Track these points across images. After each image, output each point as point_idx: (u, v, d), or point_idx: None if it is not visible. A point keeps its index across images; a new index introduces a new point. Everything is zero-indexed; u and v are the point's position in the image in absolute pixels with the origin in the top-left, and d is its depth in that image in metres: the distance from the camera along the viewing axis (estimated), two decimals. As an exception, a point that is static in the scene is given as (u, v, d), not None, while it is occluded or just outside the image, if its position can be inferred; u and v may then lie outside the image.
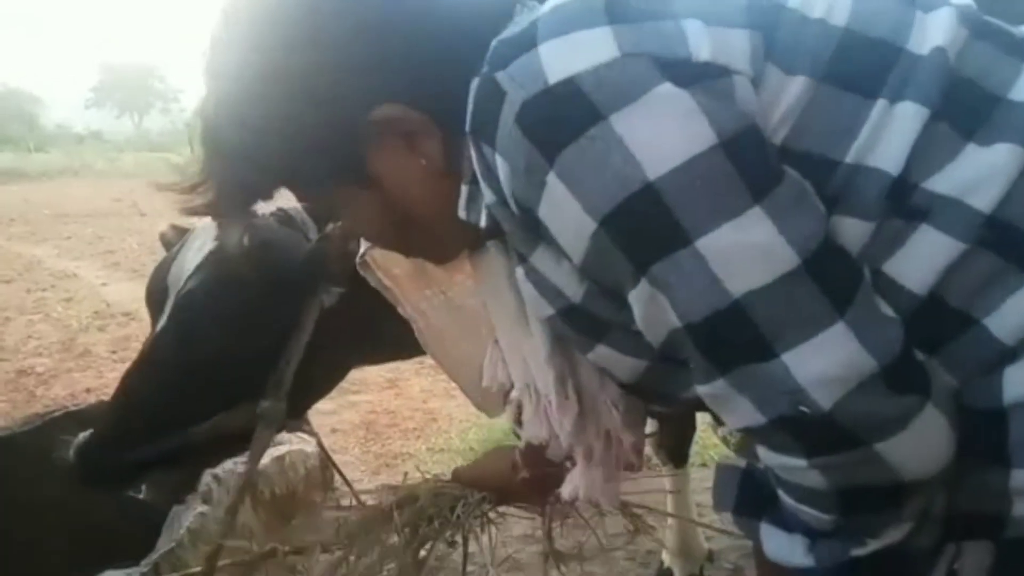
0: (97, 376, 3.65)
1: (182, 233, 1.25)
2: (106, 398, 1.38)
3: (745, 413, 0.60)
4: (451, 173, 0.70)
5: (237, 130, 0.69)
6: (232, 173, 0.72)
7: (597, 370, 0.79)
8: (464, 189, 0.70)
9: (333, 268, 1.16)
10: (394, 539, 1.02)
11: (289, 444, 1.84)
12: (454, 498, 1.02)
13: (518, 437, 0.96)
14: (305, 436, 1.90)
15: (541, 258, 0.69)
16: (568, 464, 0.90)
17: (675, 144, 0.56)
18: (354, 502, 1.11)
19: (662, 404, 0.84)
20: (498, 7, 0.69)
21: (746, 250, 0.56)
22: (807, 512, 0.63)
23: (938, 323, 0.60)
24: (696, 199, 0.56)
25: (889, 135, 0.59)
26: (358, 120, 0.67)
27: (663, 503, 1.85)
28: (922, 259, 0.59)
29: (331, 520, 1.12)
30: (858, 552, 0.63)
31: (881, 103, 0.60)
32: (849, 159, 0.60)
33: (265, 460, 1.75)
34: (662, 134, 0.56)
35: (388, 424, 3.15)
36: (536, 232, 0.66)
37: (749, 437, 0.64)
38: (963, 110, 0.60)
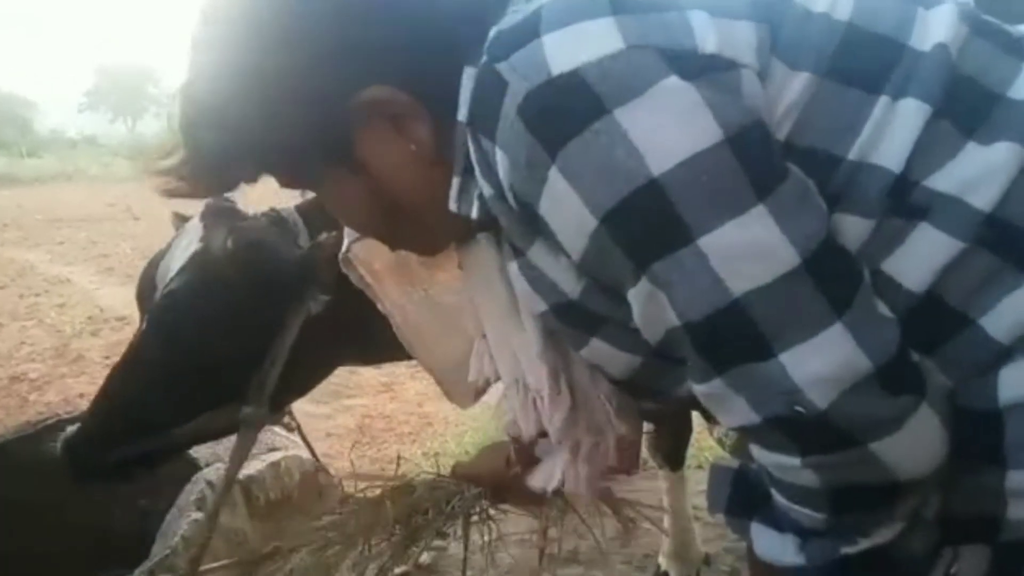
0: (91, 382, 3.63)
1: (185, 220, 1.25)
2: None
3: (740, 412, 0.60)
4: (441, 161, 0.69)
5: (219, 107, 0.68)
6: (213, 153, 0.70)
7: (589, 365, 0.79)
8: (455, 180, 0.69)
9: (323, 276, 1.15)
10: (389, 530, 1.02)
11: (284, 450, 1.83)
12: (450, 492, 1.02)
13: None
14: (288, 434, 1.89)
15: (538, 253, 0.68)
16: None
17: (680, 139, 0.56)
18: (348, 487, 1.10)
19: (655, 400, 0.84)
20: None
21: (748, 249, 0.56)
22: (799, 511, 0.63)
23: (935, 323, 0.60)
24: (700, 196, 0.56)
25: (892, 132, 0.59)
26: (345, 102, 0.66)
27: (660, 506, 1.85)
28: (921, 258, 0.59)
29: (327, 513, 1.12)
30: (849, 551, 0.63)
31: (884, 100, 0.60)
32: (852, 156, 0.60)
33: (260, 466, 1.74)
34: (667, 129, 0.56)
35: (383, 428, 3.14)
36: (534, 227, 0.65)
37: (743, 436, 0.64)
38: (964, 108, 0.60)
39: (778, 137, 0.60)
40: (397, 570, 1.03)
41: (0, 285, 5.97)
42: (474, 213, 0.69)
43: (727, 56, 0.58)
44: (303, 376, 1.24)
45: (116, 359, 1.23)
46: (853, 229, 0.60)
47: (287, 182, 0.77)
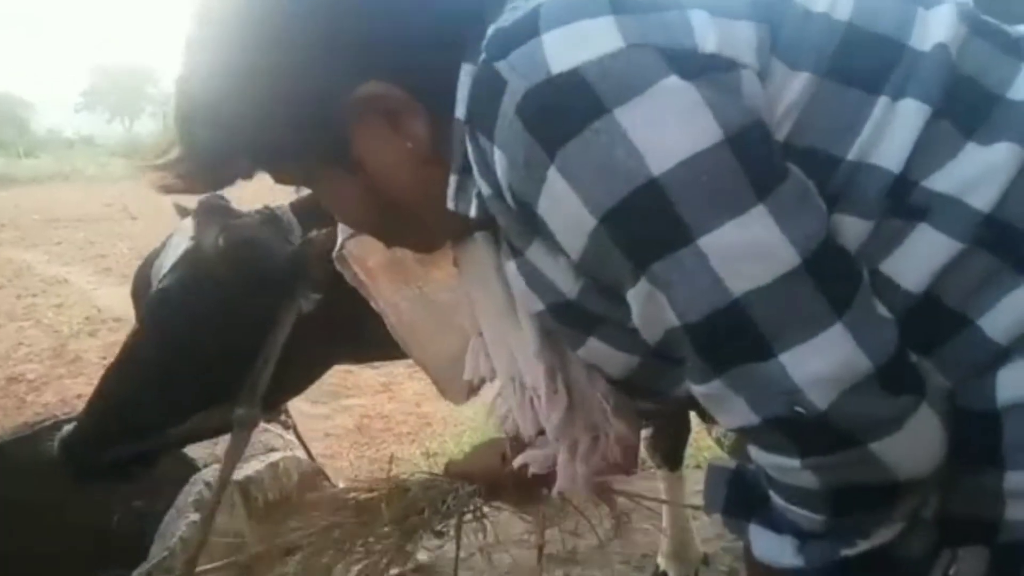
0: (88, 383, 3.62)
1: (187, 213, 1.25)
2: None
3: (739, 413, 0.60)
4: (437, 158, 0.69)
5: (213, 104, 0.68)
6: (208, 150, 0.70)
7: (587, 364, 0.79)
8: (453, 179, 0.69)
9: (315, 272, 1.15)
10: (384, 530, 1.02)
11: (282, 451, 1.83)
12: (445, 491, 1.02)
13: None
14: (286, 434, 1.89)
15: (536, 253, 0.68)
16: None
17: (680, 139, 0.55)
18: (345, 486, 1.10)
19: (652, 400, 0.83)
20: None
21: (748, 249, 0.56)
22: (798, 512, 0.63)
23: (933, 323, 0.60)
24: (700, 196, 0.56)
25: (891, 132, 0.59)
26: (339, 98, 0.66)
27: (658, 506, 1.85)
28: (920, 258, 0.59)
29: (323, 515, 1.12)
30: (848, 553, 0.63)
31: (884, 100, 0.59)
32: (851, 156, 0.59)
33: (258, 467, 1.74)
34: (667, 129, 0.56)
35: (382, 428, 3.14)
36: (532, 226, 0.65)
37: (742, 437, 0.64)
38: (964, 108, 0.60)
39: (778, 137, 0.60)
40: (393, 571, 1.03)
41: (-3, 286, 5.96)
42: (472, 212, 0.69)
43: (727, 56, 0.58)
44: (297, 375, 1.24)
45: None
46: (852, 229, 0.60)
47: (282, 179, 0.77)
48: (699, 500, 0.77)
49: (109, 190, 11.46)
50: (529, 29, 0.59)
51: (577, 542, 1.81)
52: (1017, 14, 0.69)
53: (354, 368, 3.40)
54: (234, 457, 1.22)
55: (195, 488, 1.52)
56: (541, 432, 0.87)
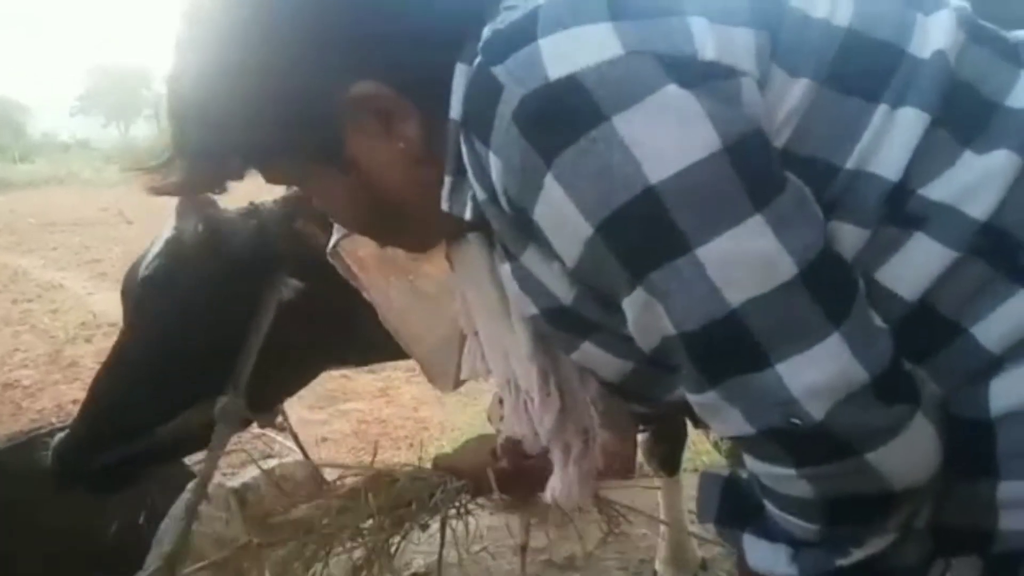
0: (84, 388, 3.57)
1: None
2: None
3: (735, 423, 0.60)
4: (430, 158, 0.68)
5: (203, 105, 0.68)
6: (199, 151, 0.70)
7: (579, 368, 0.79)
8: (447, 180, 0.68)
9: (282, 247, 1.15)
10: (370, 522, 1.01)
11: (281, 457, 1.83)
12: (433, 485, 1.01)
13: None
14: (284, 440, 1.88)
15: (531, 259, 0.68)
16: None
17: (678, 148, 0.55)
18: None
19: (645, 405, 0.83)
20: None
21: (745, 259, 0.56)
22: (792, 521, 0.63)
23: (927, 331, 0.60)
24: (697, 205, 0.55)
25: (890, 140, 0.59)
26: (330, 98, 0.66)
27: (655, 511, 1.85)
28: (915, 267, 0.59)
29: (308, 504, 1.11)
30: (842, 562, 0.63)
31: (883, 108, 0.59)
32: (850, 165, 0.59)
33: (255, 473, 1.73)
34: (665, 137, 0.55)
35: (379, 433, 3.13)
36: (528, 232, 0.65)
37: (737, 446, 0.64)
38: (962, 116, 0.60)
39: (777, 144, 0.60)
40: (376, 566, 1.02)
41: (-7, 291, 5.95)
42: (467, 215, 0.68)
43: (726, 63, 0.58)
44: (287, 375, 1.24)
45: (108, 365, 1.24)
46: (849, 237, 0.60)
47: (274, 178, 0.77)
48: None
49: (105, 194, 11.44)
50: (527, 33, 0.58)
51: (574, 548, 1.81)
52: (1015, 15, 0.69)
53: (351, 373, 3.40)
54: (218, 449, 1.22)
55: (189, 496, 1.51)
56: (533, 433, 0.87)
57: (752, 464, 0.63)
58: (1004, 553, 0.61)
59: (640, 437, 1.69)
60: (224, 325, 1.17)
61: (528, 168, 0.58)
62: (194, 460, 1.62)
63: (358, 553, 1.02)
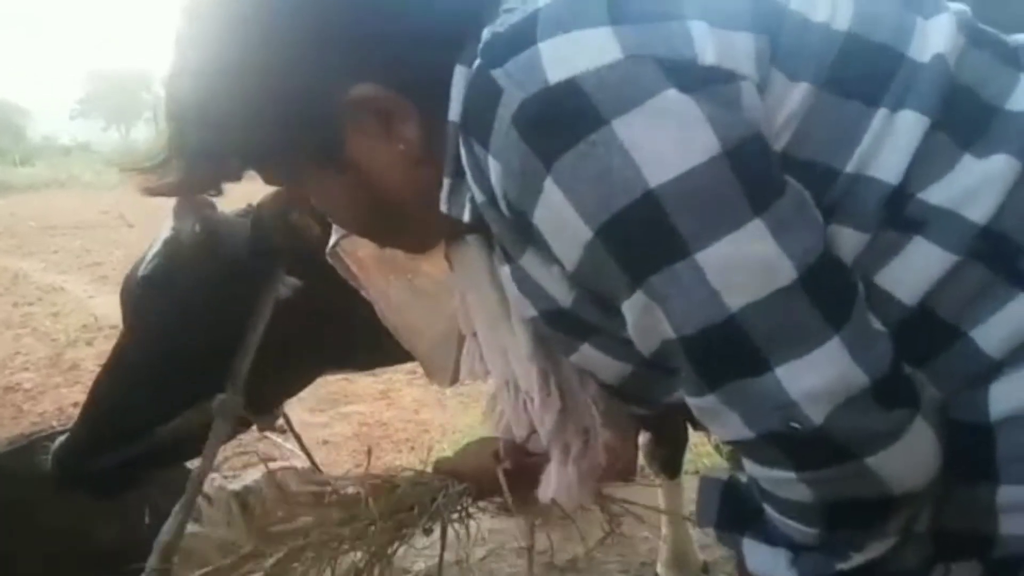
0: (85, 391, 3.58)
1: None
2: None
3: (734, 427, 0.60)
4: (430, 159, 0.68)
5: (202, 105, 0.68)
6: (197, 151, 0.70)
7: (578, 368, 0.78)
8: (446, 181, 0.68)
9: (277, 240, 1.16)
10: (371, 528, 1.00)
11: (282, 460, 1.83)
12: (435, 488, 1.01)
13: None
14: (285, 443, 1.88)
15: (530, 262, 0.68)
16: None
17: (678, 152, 0.55)
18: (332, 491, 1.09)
19: (644, 407, 0.83)
20: None
21: (745, 263, 0.56)
22: (791, 526, 0.63)
23: (927, 335, 0.60)
24: (697, 210, 0.55)
25: (890, 144, 0.59)
26: (330, 99, 0.66)
27: (656, 514, 1.85)
28: (915, 271, 0.59)
29: (308, 510, 1.11)
30: (842, 566, 0.63)
31: (883, 112, 0.59)
32: (850, 168, 0.59)
33: (256, 476, 1.74)
34: (665, 142, 0.55)
35: (380, 436, 3.13)
36: (527, 236, 0.65)
37: (737, 450, 0.64)
38: (961, 120, 0.60)
39: (776, 148, 0.60)
40: (377, 570, 1.01)
41: (-6, 294, 5.95)
42: (466, 217, 0.68)
43: (727, 67, 0.58)
44: (287, 374, 1.24)
45: (109, 368, 1.24)
46: (848, 241, 0.60)
47: (273, 179, 0.77)
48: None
49: (105, 197, 11.44)
50: (526, 36, 0.59)
51: (576, 550, 1.81)
52: (1015, 17, 0.69)
53: (352, 376, 3.39)
54: (215, 446, 1.22)
55: (186, 491, 1.51)
56: (533, 432, 0.87)
57: (751, 468, 0.63)
58: (1004, 558, 0.61)
59: (641, 440, 1.69)
60: (223, 324, 1.17)
61: (527, 172, 0.58)
62: (196, 464, 1.63)
63: (359, 558, 1.01)
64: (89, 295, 5.75)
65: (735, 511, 0.69)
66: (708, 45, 0.58)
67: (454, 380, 1.08)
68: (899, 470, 0.58)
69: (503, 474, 0.94)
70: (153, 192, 0.73)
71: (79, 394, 3.64)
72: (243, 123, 0.68)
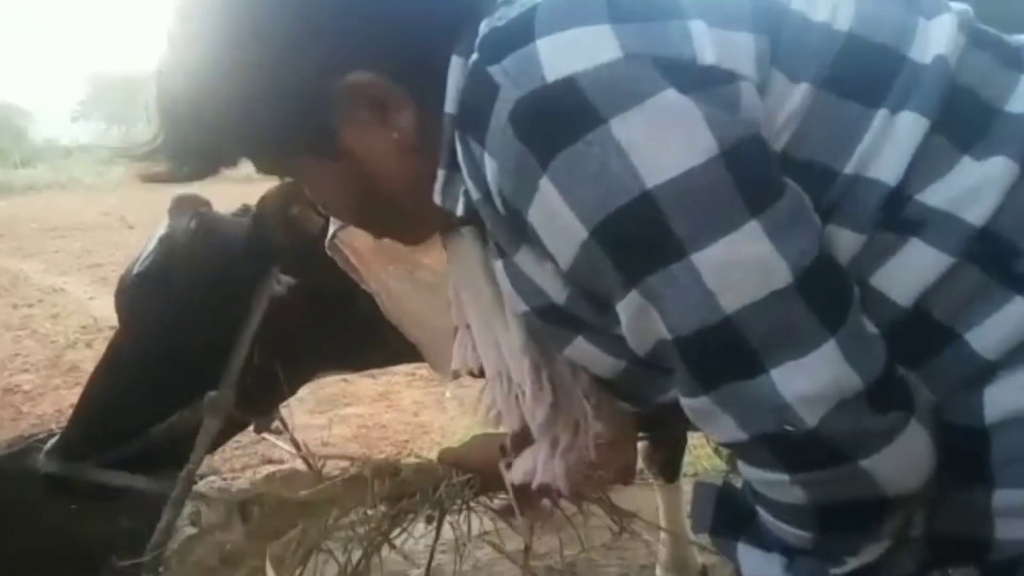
0: (85, 393, 3.60)
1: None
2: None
3: (728, 429, 0.60)
4: (424, 150, 0.68)
5: (197, 90, 0.67)
6: (191, 138, 0.70)
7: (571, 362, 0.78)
8: (441, 174, 0.68)
9: (278, 237, 1.16)
10: (370, 514, 1.00)
11: (282, 463, 1.83)
12: (438, 477, 1.01)
13: None
14: (284, 445, 1.88)
15: (524, 259, 0.68)
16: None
17: (675, 153, 0.55)
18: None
19: (637, 405, 0.83)
20: None
21: (741, 265, 0.56)
22: (785, 529, 0.63)
23: (921, 337, 0.60)
24: (694, 211, 0.55)
25: (889, 146, 0.59)
26: (324, 88, 0.65)
27: (655, 517, 1.85)
28: (910, 273, 0.59)
29: (312, 493, 1.10)
30: (836, 571, 0.63)
31: (883, 113, 0.59)
32: (849, 170, 0.59)
33: (255, 479, 1.73)
34: (663, 142, 0.55)
35: (379, 437, 3.13)
36: (521, 233, 0.64)
37: (731, 452, 0.64)
38: (961, 122, 0.60)
39: (775, 148, 0.59)
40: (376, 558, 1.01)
41: (-6, 295, 5.95)
42: (459, 210, 0.68)
43: (726, 68, 0.58)
44: (284, 375, 1.24)
45: (110, 370, 1.24)
46: (845, 242, 0.60)
47: (267, 169, 0.76)
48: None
49: (106, 199, 11.45)
50: (524, 32, 0.58)
51: (576, 553, 1.80)
52: (1015, 15, 0.69)
53: (351, 377, 3.39)
54: (205, 443, 1.21)
55: (176, 489, 1.51)
56: (524, 424, 0.87)
57: (745, 470, 0.63)
58: (1000, 562, 0.61)
59: (640, 443, 1.69)
60: (218, 323, 1.17)
61: (523, 170, 0.57)
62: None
63: (360, 538, 1.01)
64: (89, 296, 5.75)
65: (730, 516, 0.69)
66: (707, 45, 0.58)
67: (457, 375, 1.07)
68: (893, 472, 0.58)
69: (507, 468, 0.94)
70: (150, 180, 0.73)
71: (79, 396, 3.64)
72: (237, 110, 0.67)
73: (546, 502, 0.99)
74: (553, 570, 1.82)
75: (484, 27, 0.62)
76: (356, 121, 0.67)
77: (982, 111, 0.61)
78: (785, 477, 0.59)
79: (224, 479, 1.60)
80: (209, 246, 1.18)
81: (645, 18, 0.58)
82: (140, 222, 8.48)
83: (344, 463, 1.07)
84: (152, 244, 1.23)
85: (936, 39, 0.61)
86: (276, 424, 1.37)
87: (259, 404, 1.26)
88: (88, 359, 4.19)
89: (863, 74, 0.60)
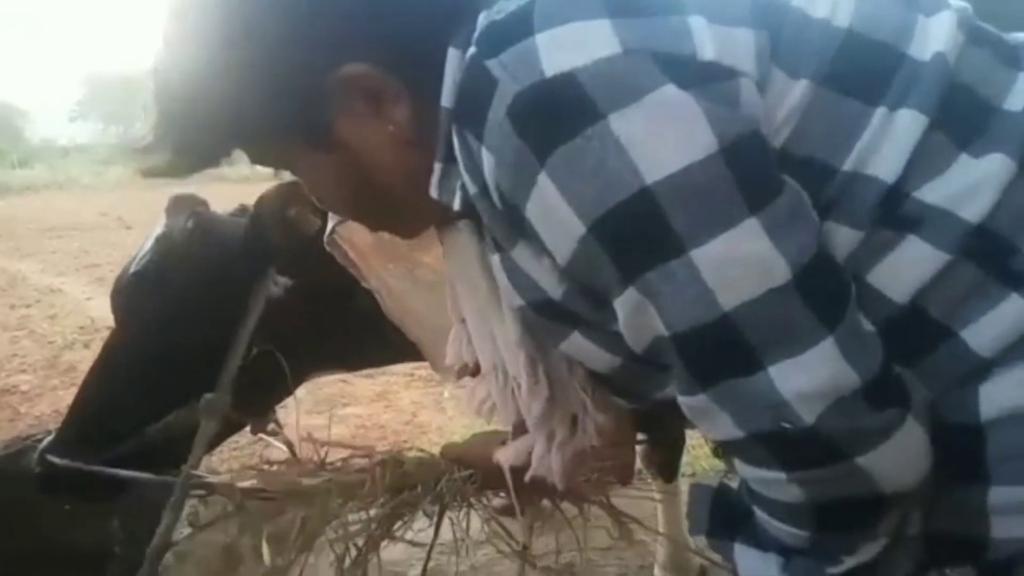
0: (83, 393, 3.60)
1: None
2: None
3: (724, 427, 0.60)
4: (420, 142, 0.67)
5: (192, 87, 0.67)
6: (188, 132, 0.69)
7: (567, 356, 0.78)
8: (437, 167, 0.67)
9: (275, 237, 1.15)
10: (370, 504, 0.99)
11: (280, 464, 1.82)
12: (440, 471, 1.01)
13: None
14: (276, 442, 1.87)
15: (521, 254, 0.67)
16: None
17: (675, 149, 0.55)
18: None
19: (632, 401, 0.82)
20: None
21: (740, 262, 0.55)
22: (782, 528, 0.62)
23: (917, 334, 0.60)
24: (693, 207, 0.55)
25: (888, 143, 0.59)
26: (320, 80, 0.65)
27: (654, 517, 1.85)
28: (907, 270, 0.59)
29: (314, 482, 1.10)
30: (833, 570, 0.62)
31: (882, 110, 0.59)
32: (848, 166, 0.59)
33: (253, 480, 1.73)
34: (662, 138, 0.55)
35: (378, 438, 3.13)
36: (519, 228, 0.64)
37: (727, 450, 0.63)
38: (959, 119, 0.60)
39: (775, 144, 0.59)
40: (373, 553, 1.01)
41: (-9, 296, 5.94)
42: (456, 205, 0.68)
43: (726, 64, 0.57)
44: (277, 376, 1.24)
45: (108, 370, 1.23)
46: (842, 240, 0.59)
47: (261, 160, 0.76)
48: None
49: (104, 199, 11.45)
50: (523, 27, 0.58)
51: (574, 554, 1.80)
52: (1015, 13, 0.69)
53: (349, 377, 3.39)
54: (202, 446, 1.21)
55: (189, 503, 1.51)
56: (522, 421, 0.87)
57: (741, 469, 0.62)
58: (997, 561, 0.60)
59: (638, 444, 1.69)
60: (214, 323, 1.17)
61: (521, 165, 0.57)
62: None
63: (362, 528, 1.00)
64: (87, 297, 5.74)
65: (726, 517, 0.69)
66: (707, 41, 0.57)
67: (463, 372, 1.07)
68: (890, 469, 0.58)
69: (509, 466, 0.94)
70: (146, 173, 0.72)
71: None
72: (232, 102, 0.67)
73: (547, 503, 0.99)
74: (551, 570, 1.82)
75: (482, 20, 0.62)
76: (351, 113, 0.67)
77: (980, 109, 0.61)
78: (782, 475, 0.59)
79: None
80: (206, 246, 1.18)
81: (644, 13, 0.58)
82: (138, 222, 8.47)
83: (345, 457, 1.07)
84: (149, 243, 1.22)
85: (935, 36, 0.61)
86: (272, 426, 1.37)
87: (255, 405, 1.26)
88: (86, 360, 4.18)
89: (863, 71, 0.60)
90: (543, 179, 0.56)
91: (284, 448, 1.81)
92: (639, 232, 0.56)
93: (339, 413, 3.29)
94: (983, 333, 0.59)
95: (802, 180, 0.58)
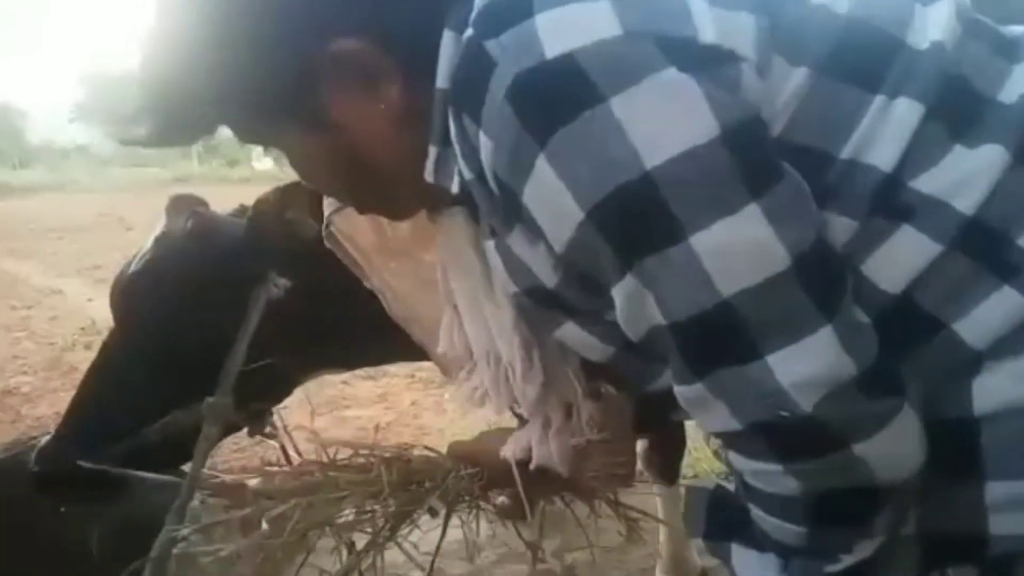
0: (83, 394, 3.60)
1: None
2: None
3: (721, 417, 0.59)
4: (412, 122, 0.66)
5: (177, 58, 0.66)
6: (175, 104, 0.68)
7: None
8: (432, 150, 0.66)
9: (273, 240, 1.15)
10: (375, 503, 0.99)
11: (281, 465, 1.82)
12: (446, 469, 1.00)
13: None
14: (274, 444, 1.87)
15: (516, 240, 0.66)
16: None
17: (676, 133, 0.54)
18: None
19: (627, 391, 0.82)
20: None
21: (739, 248, 0.55)
22: (778, 524, 0.62)
23: (909, 326, 0.59)
24: (693, 192, 0.54)
25: (885, 131, 0.58)
26: (310, 55, 0.64)
27: (655, 520, 1.84)
28: (900, 260, 0.59)
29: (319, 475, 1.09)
30: (832, 569, 0.62)
31: (880, 98, 0.58)
32: (845, 155, 0.58)
33: (254, 482, 1.72)
34: (663, 121, 0.54)
35: (379, 439, 3.12)
36: (515, 214, 0.63)
37: (723, 442, 0.63)
38: (954, 110, 0.59)
39: (773, 131, 0.58)
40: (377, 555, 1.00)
41: (-8, 297, 5.95)
42: (454, 188, 0.66)
43: (727, 47, 0.57)
44: (276, 378, 1.24)
45: (108, 371, 1.23)
46: (838, 229, 0.59)
47: (248, 137, 0.74)
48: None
49: (104, 200, 11.45)
50: (522, 7, 0.56)
51: (576, 555, 1.80)
52: (1014, 12, 0.69)
53: (351, 379, 3.39)
54: (205, 450, 1.20)
55: (179, 497, 1.50)
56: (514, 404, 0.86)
57: (737, 462, 0.62)
58: (998, 556, 0.60)
59: (639, 446, 1.69)
60: (213, 323, 1.17)
61: (520, 148, 0.56)
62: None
63: (368, 523, 1.00)
64: (87, 298, 5.74)
65: (723, 519, 0.68)
66: (708, 24, 0.56)
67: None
68: (885, 459, 0.57)
69: (516, 464, 0.93)
70: (129, 142, 0.71)
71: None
72: (217, 73, 0.65)
73: (557, 500, 0.98)
74: (553, 573, 1.82)
75: (479, 1, 0.61)
76: (342, 90, 0.66)
77: (975, 99, 0.60)
78: (778, 467, 0.58)
79: (222, 481, 1.59)
80: (205, 247, 1.17)
81: None
82: (138, 223, 8.47)
83: (350, 455, 1.06)
84: (148, 244, 1.22)
85: (933, 25, 0.61)
86: (269, 428, 1.37)
87: (253, 407, 1.26)
88: (87, 361, 4.15)
89: (862, 59, 0.60)
90: (541, 163, 0.55)
91: (282, 450, 1.81)
92: (638, 217, 0.55)
93: (340, 416, 3.29)
94: (975, 325, 0.58)
95: (800, 168, 0.57)
